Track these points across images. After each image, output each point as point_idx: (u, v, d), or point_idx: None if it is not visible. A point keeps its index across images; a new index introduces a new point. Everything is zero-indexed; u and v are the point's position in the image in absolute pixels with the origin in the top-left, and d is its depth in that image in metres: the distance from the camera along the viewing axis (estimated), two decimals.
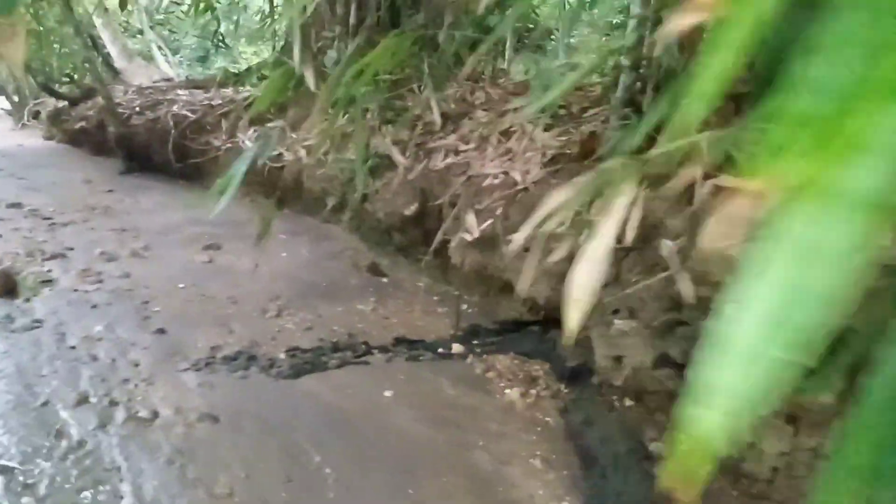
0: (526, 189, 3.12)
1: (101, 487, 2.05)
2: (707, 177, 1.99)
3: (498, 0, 3.52)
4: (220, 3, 8.08)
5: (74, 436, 2.30)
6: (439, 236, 3.40)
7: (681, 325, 2.10)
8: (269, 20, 7.45)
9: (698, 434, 0.53)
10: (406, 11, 4.75)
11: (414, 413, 2.57)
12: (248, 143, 5.81)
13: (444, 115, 4.20)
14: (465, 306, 3.51)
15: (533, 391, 2.74)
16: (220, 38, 8.15)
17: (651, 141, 2.66)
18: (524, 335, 3.24)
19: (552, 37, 6.64)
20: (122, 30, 10.35)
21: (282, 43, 6.36)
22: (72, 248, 4.32)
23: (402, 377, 2.84)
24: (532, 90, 3.92)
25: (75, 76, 9.70)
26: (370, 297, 3.67)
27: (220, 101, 6.75)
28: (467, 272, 3.34)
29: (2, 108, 11.71)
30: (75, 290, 3.63)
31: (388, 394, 2.69)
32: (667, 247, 2.11)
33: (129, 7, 8.85)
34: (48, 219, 5.05)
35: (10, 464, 2.11)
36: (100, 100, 7.39)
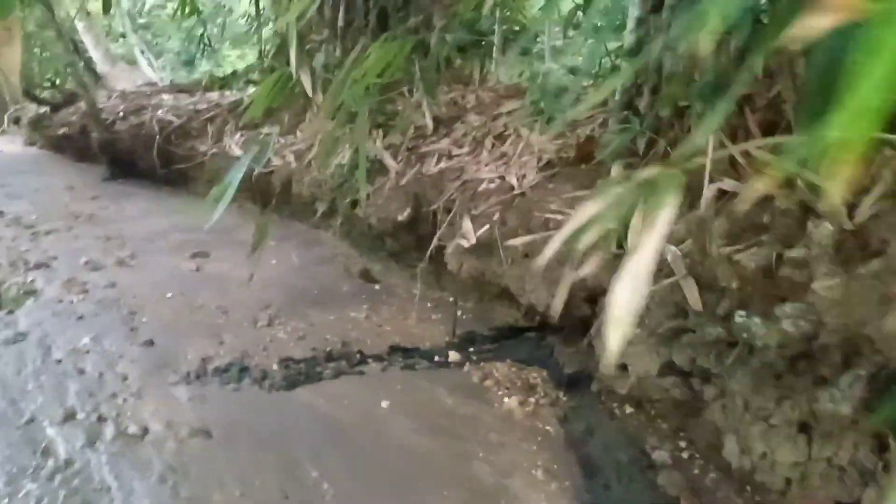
0: (523, 194, 3.08)
1: None
2: (711, 180, 1.96)
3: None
4: (204, 6, 7.98)
5: (62, 454, 2.23)
6: (435, 242, 3.35)
7: (686, 332, 2.07)
8: (255, 24, 7.36)
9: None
10: (395, 14, 4.70)
11: (412, 424, 2.52)
12: (235, 148, 5.72)
13: (435, 119, 4.16)
14: (459, 312, 3.47)
15: (531, 399, 2.71)
16: (207, 41, 8.03)
17: (650, 146, 2.65)
18: (521, 342, 3.20)
19: (538, 39, 6.63)
20: (105, 33, 10.20)
21: (269, 47, 6.26)
22: (55, 258, 4.22)
23: (398, 387, 2.79)
24: (530, 92, 3.88)
25: (57, 81, 9.54)
26: (363, 305, 3.61)
27: (206, 106, 6.65)
28: (464, 278, 3.29)
29: None
30: (60, 301, 3.54)
31: (384, 404, 2.64)
32: (671, 252, 2.08)
33: (112, 10, 8.72)
34: (30, 227, 4.94)
35: None
36: (82, 105, 7.27)
